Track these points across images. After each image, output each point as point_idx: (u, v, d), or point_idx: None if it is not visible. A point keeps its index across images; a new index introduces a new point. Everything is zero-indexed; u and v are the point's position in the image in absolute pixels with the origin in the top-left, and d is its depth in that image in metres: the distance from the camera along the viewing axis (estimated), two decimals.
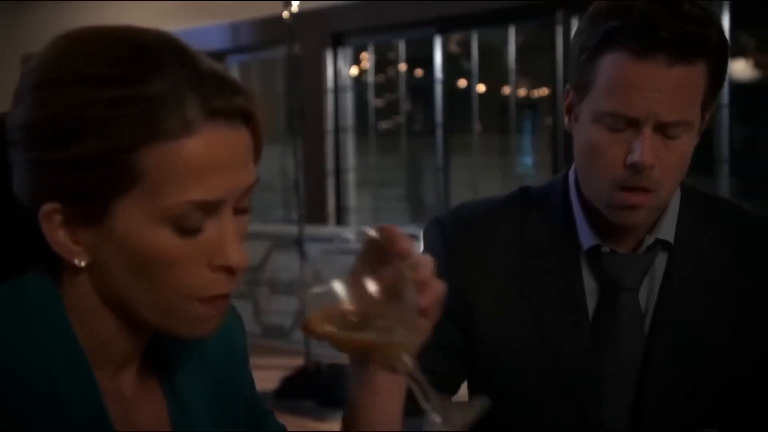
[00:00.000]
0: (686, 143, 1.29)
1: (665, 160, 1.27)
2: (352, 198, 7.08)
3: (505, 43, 6.40)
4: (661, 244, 1.38)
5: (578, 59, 1.32)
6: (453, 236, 1.43)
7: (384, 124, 7.15)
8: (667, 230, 1.38)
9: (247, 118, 0.88)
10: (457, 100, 6.62)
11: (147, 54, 0.86)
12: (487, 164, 6.91)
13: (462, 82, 6.82)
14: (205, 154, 0.85)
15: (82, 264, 0.88)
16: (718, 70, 1.29)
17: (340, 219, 6.95)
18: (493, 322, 1.39)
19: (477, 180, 6.81)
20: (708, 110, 1.32)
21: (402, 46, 6.78)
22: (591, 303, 1.38)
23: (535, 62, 6.68)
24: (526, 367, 1.38)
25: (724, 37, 1.29)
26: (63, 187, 0.86)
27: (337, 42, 6.80)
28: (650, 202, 1.30)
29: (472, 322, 1.40)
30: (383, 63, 7.05)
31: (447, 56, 6.52)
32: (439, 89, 6.52)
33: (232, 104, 0.86)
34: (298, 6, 5.14)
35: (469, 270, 1.41)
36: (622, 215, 1.32)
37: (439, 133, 6.55)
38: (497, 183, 7.07)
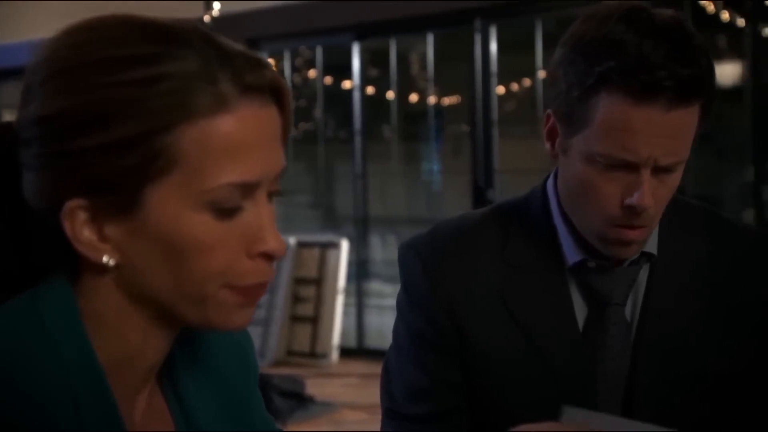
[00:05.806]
0: (678, 175, 1.29)
1: (659, 196, 1.27)
2: None
3: (414, 50, 6.44)
4: (646, 256, 1.38)
5: (566, 91, 1.27)
6: (432, 263, 1.39)
7: (293, 131, 7.10)
8: (651, 243, 1.38)
9: (276, 96, 0.86)
10: (365, 106, 6.65)
11: (172, 34, 0.82)
12: (396, 171, 6.94)
13: (369, 89, 6.83)
14: (240, 132, 0.82)
15: (111, 263, 0.83)
16: (710, 103, 1.27)
17: None
18: (484, 343, 1.37)
19: (386, 187, 6.82)
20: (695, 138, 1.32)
21: (319, 53, 6.75)
22: (579, 317, 1.37)
23: (443, 70, 6.74)
24: (520, 383, 1.37)
25: (714, 68, 1.27)
26: (90, 180, 0.81)
27: (253, 47, 6.72)
28: (644, 236, 1.31)
29: (464, 346, 1.37)
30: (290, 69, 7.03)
31: (361, 63, 6.52)
32: (357, 96, 6.51)
33: (264, 79, 0.84)
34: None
35: (454, 295, 1.38)
36: (615, 250, 1.32)
37: (358, 140, 6.53)
38: (404, 190, 7.10)
